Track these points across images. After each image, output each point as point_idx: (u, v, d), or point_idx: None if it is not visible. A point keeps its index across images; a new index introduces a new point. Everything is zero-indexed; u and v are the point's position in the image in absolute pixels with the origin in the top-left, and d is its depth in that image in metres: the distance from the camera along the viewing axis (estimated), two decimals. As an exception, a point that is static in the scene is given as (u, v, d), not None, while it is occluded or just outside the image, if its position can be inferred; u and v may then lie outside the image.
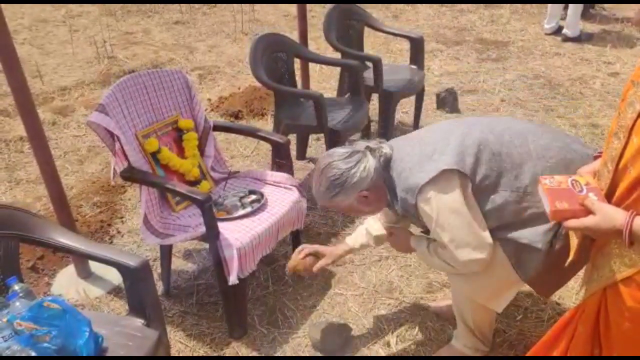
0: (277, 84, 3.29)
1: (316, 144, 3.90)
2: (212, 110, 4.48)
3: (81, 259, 2.68)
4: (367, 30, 4.14)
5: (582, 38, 5.82)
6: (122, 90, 2.38)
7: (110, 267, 1.86)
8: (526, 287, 2.56)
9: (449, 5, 7.20)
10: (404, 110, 4.41)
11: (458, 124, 1.92)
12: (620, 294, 1.30)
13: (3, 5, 2.11)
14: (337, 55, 3.92)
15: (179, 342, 2.38)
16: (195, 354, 2.33)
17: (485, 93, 4.76)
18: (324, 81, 4.99)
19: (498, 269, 1.84)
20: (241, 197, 2.48)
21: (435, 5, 7.23)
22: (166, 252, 2.55)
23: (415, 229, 2.13)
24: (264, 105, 4.46)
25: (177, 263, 2.82)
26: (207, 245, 2.41)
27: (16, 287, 1.68)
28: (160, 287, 2.61)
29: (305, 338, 2.38)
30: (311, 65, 4.10)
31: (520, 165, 1.76)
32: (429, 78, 4.89)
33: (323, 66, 5.08)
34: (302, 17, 3.77)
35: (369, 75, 3.68)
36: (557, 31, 5.99)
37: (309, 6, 3.94)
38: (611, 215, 1.22)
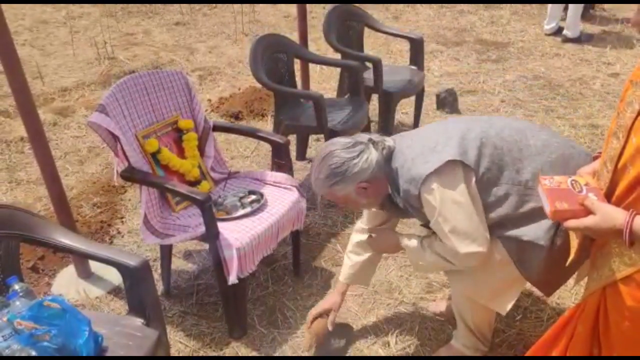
0: (277, 84, 3.30)
1: (316, 145, 3.91)
2: (212, 110, 4.49)
3: (81, 259, 2.68)
4: (367, 31, 4.14)
5: (582, 39, 5.82)
6: (122, 90, 2.39)
7: (110, 267, 1.86)
8: (526, 287, 2.57)
9: (449, 6, 7.21)
10: (404, 110, 4.41)
11: (458, 121, 1.92)
12: (620, 293, 1.31)
13: (4, 7, 2.12)
14: (337, 56, 3.93)
15: (178, 342, 2.38)
16: (195, 354, 2.33)
17: (485, 94, 4.76)
18: (324, 82, 5.00)
19: (498, 268, 1.84)
20: (241, 198, 2.49)
21: (435, 6, 7.24)
22: (166, 252, 2.56)
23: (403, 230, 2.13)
24: (264, 105, 4.46)
25: (177, 263, 2.83)
26: (207, 246, 2.41)
27: (16, 287, 1.69)
28: (160, 287, 2.62)
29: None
30: (311, 66, 4.11)
31: (521, 160, 1.76)
32: (429, 79, 4.90)
33: (323, 67, 5.09)
34: (302, 18, 3.77)
35: (369, 75, 3.68)
36: (557, 32, 6.00)
37: (309, 7, 3.94)
38: (611, 215, 1.22)
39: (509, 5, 7.11)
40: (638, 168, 1.21)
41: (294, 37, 3.85)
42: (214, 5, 7.35)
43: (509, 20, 6.68)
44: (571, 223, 1.28)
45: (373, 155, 1.84)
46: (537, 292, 2.55)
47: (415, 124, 4.11)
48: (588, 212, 1.26)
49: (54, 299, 1.61)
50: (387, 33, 4.19)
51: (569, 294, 2.55)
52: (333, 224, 3.12)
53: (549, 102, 4.55)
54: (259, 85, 3.66)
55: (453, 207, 1.73)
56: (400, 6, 7.27)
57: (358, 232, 2.25)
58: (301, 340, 2.37)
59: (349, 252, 2.28)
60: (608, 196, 1.31)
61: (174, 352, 2.33)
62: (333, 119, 3.27)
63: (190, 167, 2.55)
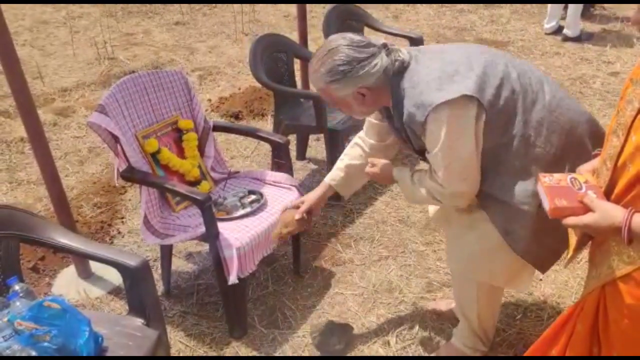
0: (277, 84, 3.30)
1: (316, 145, 3.91)
2: (212, 110, 4.49)
3: (81, 260, 2.68)
4: (367, 30, 4.14)
5: (582, 38, 5.82)
6: (122, 91, 2.39)
7: (110, 267, 1.86)
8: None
9: (449, 5, 7.20)
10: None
11: (483, 51, 1.80)
12: (619, 292, 1.31)
13: (4, 7, 2.12)
14: (337, 56, 3.92)
15: (179, 342, 2.38)
16: (195, 354, 2.34)
17: (485, 93, 4.75)
18: (324, 81, 4.99)
19: (505, 249, 1.81)
20: (241, 197, 2.49)
21: (435, 6, 7.23)
22: (166, 252, 2.56)
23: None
24: (264, 105, 4.47)
25: (177, 263, 2.83)
26: (207, 246, 2.42)
27: (17, 287, 1.69)
28: (160, 287, 2.62)
29: (305, 338, 2.38)
30: (311, 65, 4.10)
31: (530, 112, 1.70)
32: (429, 78, 4.88)
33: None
34: (302, 18, 3.78)
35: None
36: (557, 31, 6.00)
37: (309, 7, 3.94)
38: (610, 213, 1.22)
39: (509, 4, 7.10)
40: (637, 166, 1.21)
41: (294, 36, 3.85)
42: (213, 5, 7.34)
43: (509, 19, 6.67)
44: (570, 220, 1.28)
45: (383, 62, 1.71)
46: (538, 292, 2.56)
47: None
48: (587, 209, 1.26)
49: (54, 300, 1.62)
50: (387, 32, 4.19)
51: (569, 293, 2.56)
52: (333, 224, 3.12)
53: (549, 101, 4.54)
54: (258, 85, 3.66)
55: (456, 143, 1.66)
56: (400, 5, 7.26)
57: (359, 140, 2.15)
58: (302, 340, 2.38)
59: (345, 154, 2.17)
60: (607, 194, 1.31)
61: (174, 352, 2.33)
62: (333, 118, 3.27)
63: (190, 167, 2.55)
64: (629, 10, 6.52)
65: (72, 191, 3.43)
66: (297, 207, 2.14)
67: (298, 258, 2.74)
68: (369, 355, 2.30)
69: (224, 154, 3.66)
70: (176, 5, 7.21)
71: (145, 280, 1.85)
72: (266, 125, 4.18)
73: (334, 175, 2.16)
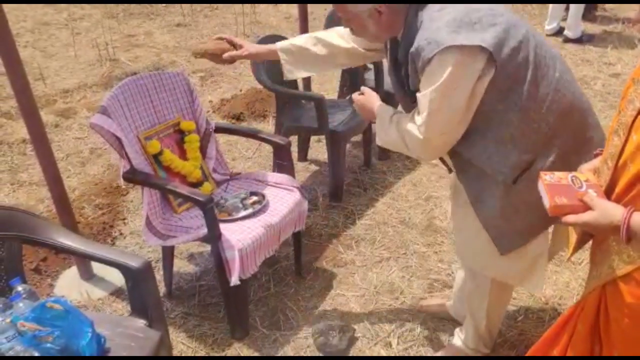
0: (279, 86, 3.30)
1: (317, 146, 3.91)
2: (214, 112, 4.49)
3: (83, 261, 2.69)
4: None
5: (583, 39, 5.82)
6: (124, 92, 2.39)
7: (112, 268, 1.86)
8: (526, 291, 2.57)
9: (450, 6, 7.20)
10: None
11: (509, 10, 1.71)
12: (620, 291, 1.31)
13: (6, 9, 2.13)
14: (338, 57, 3.92)
15: (181, 343, 2.39)
16: (197, 355, 2.34)
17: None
18: (325, 83, 5.00)
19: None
20: (243, 199, 2.49)
21: (436, 7, 7.23)
22: (168, 254, 2.56)
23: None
24: (265, 107, 4.47)
25: (179, 264, 2.83)
26: (209, 247, 2.42)
27: (19, 288, 1.70)
28: (162, 288, 2.62)
29: (307, 339, 2.38)
30: (312, 67, 4.11)
31: (537, 86, 1.64)
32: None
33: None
34: (304, 20, 3.78)
35: (370, 76, 3.68)
36: (558, 32, 6.00)
37: (310, 8, 3.95)
38: (609, 211, 1.23)
39: (509, 5, 7.10)
40: (638, 165, 1.22)
41: (295, 38, 3.85)
42: (215, 6, 7.35)
43: (510, 21, 6.67)
44: (570, 218, 1.28)
45: None
46: (539, 293, 2.56)
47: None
48: (587, 208, 1.27)
49: (57, 301, 1.62)
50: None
51: (570, 295, 2.56)
52: (334, 225, 3.12)
53: (550, 103, 4.54)
54: (260, 87, 3.67)
55: (452, 92, 1.58)
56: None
57: (338, 35, 2.14)
58: (303, 342, 2.38)
59: (313, 35, 2.16)
60: (608, 193, 1.32)
61: (176, 353, 2.33)
62: (334, 120, 3.28)
63: (192, 169, 2.56)
64: (630, 11, 6.53)
65: (74, 192, 3.44)
66: (235, 44, 2.16)
67: (299, 259, 2.74)
68: (370, 356, 2.31)
69: (226, 155, 3.66)
70: (177, 7, 7.22)
71: (147, 281, 1.86)
72: (268, 126, 4.19)
73: (287, 44, 2.13)
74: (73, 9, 7.25)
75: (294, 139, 3.48)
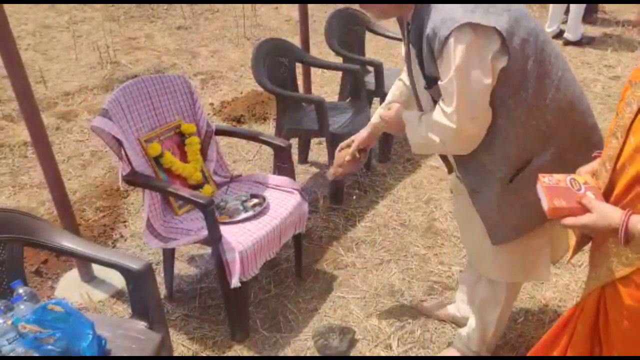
0: (279, 88, 3.31)
1: (317, 148, 3.92)
2: (214, 114, 4.50)
3: (84, 263, 2.69)
4: (368, 34, 4.16)
5: (583, 41, 5.83)
6: (125, 95, 2.40)
7: (113, 270, 1.87)
8: (526, 293, 2.58)
9: (451, 9, 7.21)
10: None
11: (522, 5, 1.70)
12: (619, 293, 1.31)
13: (7, 12, 2.14)
14: (339, 60, 3.94)
15: (181, 345, 2.39)
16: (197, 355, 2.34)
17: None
18: (326, 85, 5.01)
19: (515, 243, 1.81)
20: (243, 201, 2.50)
21: (436, 10, 7.24)
22: (169, 256, 2.57)
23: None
24: (266, 109, 4.48)
25: (180, 266, 2.83)
26: (209, 249, 2.42)
27: (21, 291, 1.70)
28: (163, 290, 2.63)
29: (307, 341, 2.39)
30: (313, 69, 4.12)
31: (540, 83, 1.63)
32: (431, 82, 4.89)
33: (325, 71, 5.10)
34: (304, 22, 3.79)
35: (370, 79, 3.69)
36: (559, 35, 6.01)
37: (310, 11, 3.96)
38: (608, 214, 1.23)
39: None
40: (636, 168, 1.22)
41: (296, 41, 3.86)
42: (216, 9, 7.37)
43: (510, 23, 6.68)
44: (568, 221, 1.29)
45: None
46: (539, 295, 2.57)
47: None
48: (586, 210, 1.27)
49: (58, 303, 1.63)
50: (389, 37, 4.20)
51: (571, 297, 2.56)
52: (335, 227, 3.13)
53: (550, 105, 4.55)
54: (261, 89, 3.67)
55: (472, 72, 1.55)
56: (402, 10, 7.28)
57: (401, 77, 2.12)
58: (304, 344, 2.38)
59: (389, 92, 2.16)
60: (606, 195, 1.32)
61: (176, 355, 2.33)
62: (335, 122, 3.28)
63: (192, 171, 2.56)
64: (630, 14, 6.54)
65: (75, 195, 3.44)
66: (348, 147, 2.18)
67: (300, 261, 2.74)
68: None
69: (226, 157, 3.67)
70: (178, 10, 7.24)
71: (148, 283, 1.86)
72: (268, 129, 4.19)
73: (376, 114, 2.10)
74: (74, 12, 7.27)
75: (294, 142, 3.48)
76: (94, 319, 1.69)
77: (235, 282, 2.20)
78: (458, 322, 2.39)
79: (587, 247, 1.50)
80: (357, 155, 2.18)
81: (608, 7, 6.88)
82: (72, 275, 2.79)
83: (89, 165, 3.84)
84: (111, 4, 7.45)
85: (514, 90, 1.61)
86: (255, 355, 2.34)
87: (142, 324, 1.83)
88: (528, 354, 1.68)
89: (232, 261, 2.20)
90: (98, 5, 7.45)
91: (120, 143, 2.29)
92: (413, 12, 1.68)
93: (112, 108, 2.31)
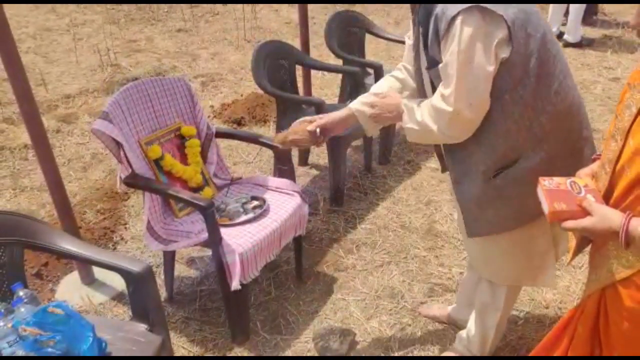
0: (279, 90, 3.32)
1: (318, 151, 3.92)
2: (215, 117, 4.50)
3: (85, 265, 2.69)
4: (368, 37, 4.16)
5: (583, 43, 5.84)
6: (125, 97, 2.41)
7: (113, 273, 1.87)
8: (527, 294, 2.58)
9: (450, 11, 7.21)
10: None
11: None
12: (619, 295, 1.31)
13: (7, 15, 2.14)
14: (339, 62, 3.94)
15: (181, 347, 2.39)
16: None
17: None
18: (326, 87, 5.01)
19: (519, 246, 1.82)
20: (243, 203, 2.50)
21: (436, 12, 7.24)
22: (169, 258, 2.57)
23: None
24: (266, 112, 4.48)
25: (180, 269, 2.84)
26: (209, 251, 2.42)
27: (21, 293, 1.70)
28: (163, 292, 2.63)
29: (308, 343, 2.39)
30: (313, 72, 4.13)
31: (539, 83, 1.62)
32: (431, 84, 4.89)
33: (325, 73, 5.11)
34: (304, 25, 3.80)
35: (370, 81, 3.69)
36: (558, 37, 6.01)
37: (311, 13, 3.97)
38: (608, 217, 1.23)
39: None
40: (635, 170, 1.22)
41: (296, 43, 3.87)
42: (216, 12, 7.39)
43: (510, 25, 6.69)
44: (569, 224, 1.29)
45: None
46: (539, 297, 2.57)
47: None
48: (586, 213, 1.27)
49: (58, 305, 1.63)
50: (389, 39, 4.21)
51: (571, 299, 2.56)
52: (335, 230, 3.13)
53: (550, 107, 4.55)
54: (261, 92, 3.68)
55: (475, 57, 1.54)
56: (402, 12, 7.29)
57: (397, 70, 2.08)
58: (304, 346, 2.38)
59: (376, 85, 2.10)
60: (606, 198, 1.32)
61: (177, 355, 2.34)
62: (335, 124, 3.28)
63: (193, 174, 2.57)
64: (630, 16, 6.54)
65: (76, 197, 3.44)
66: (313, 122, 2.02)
67: (300, 264, 2.75)
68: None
69: (227, 160, 3.68)
70: (179, 12, 7.25)
71: (148, 285, 1.86)
72: (268, 131, 4.20)
73: (359, 102, 1.97)
74: (75, 15, 7.28)
75: (294, 144, 3.48)
76: (94, 321, 1.69)
77: (235, 285, 2.20)
78: (459, 325, 2.38)
79: (588, 249, 1.50)
80: (318, 132, 1.96)
81: (608, 8, 6.89)
82: (73, 278, 2.79)
83: (89, 167, 3.84)
84: (112, 5, 7.46)
85: (512, 86, 1.61)
86: (255, 355, 2.34)
87: (142, 327, 1.83)
88: (529, 355, 1.68)
89: (232, 263, 2.20)
90: (98, 8, 7.47)
91: (120, 146, 2.29)
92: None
93: (113, 111, 2.32)
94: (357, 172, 3.68)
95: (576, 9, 5.78)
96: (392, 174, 3.66)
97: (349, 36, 4.00)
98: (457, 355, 2.22)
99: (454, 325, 2.42)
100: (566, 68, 1.71)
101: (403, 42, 4.38)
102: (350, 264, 2.86)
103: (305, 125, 1.98)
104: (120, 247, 3.05)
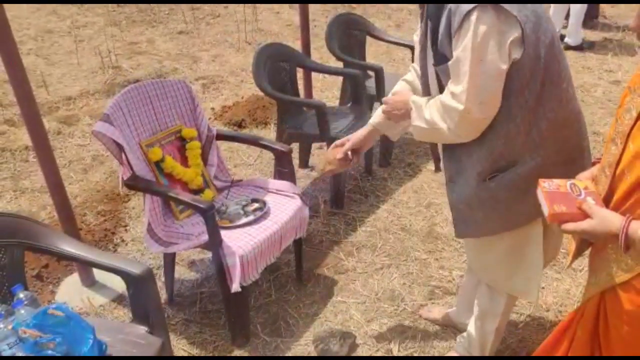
0: (280, 93, 3.32)
1: (318, 153, 3.92)
2: (215, 119, 4.51)
3: (85, 267, 2.69)
4: (369, 39, 4.17)
5: (583, 46, 5.84)
6: (126, 100, 2.41)
7: (114, 275, 1.87)
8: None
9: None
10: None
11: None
12: (619, 298, 1.31)
13: (8, 16, 2.14)
14: (340, 65, 3.95)
15: (181, 349, 2.39)
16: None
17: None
18: (327, 90, 5.02)
19: (509, 252, 1.82)
20: (244, 206, 2.50)
21: (437, 14, 7.25)
22: (169, 260, 2.57)
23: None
24: (267, 114, 4.49)
25: (181, 271, 2.84)
26: (210, 254, 2.43)
27: (21, 295, 1.70)
28: (163, 295, 2.63)
29: (308, 346, 2.38)
30: (314, 74, 4.13)
31: (543, 89, 1.61)
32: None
33: (325, 75, 5.11)
34: (305, 27, 3.80)
35: (370, 84, 3.70)
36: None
37: (311, 16, 3.98)
38: (608, 219, 1.23)
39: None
40: (635, 174, 1.22)
41: (297, 45, 3.87)
42: (217, 14, 7.39)
43: (511, 28, 6.69)
44: (569, 226, 1.28)
45: None
46: (540, 300, 2.56)
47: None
48: (586, 215, 1.27)
49: (58, 307, 1.63)
50: (389, 41, 4.22)
51: (571, 302, 2.56)
52: (335, 232, 3.13)
53: (550, 110, 4.55)
54: (261, 94, 3.68)
55: (487, 55, 1.52)
56: (402, 14, 7.31)
57: (409, 73, 2.06)
58: (304, 348, 2.38)
59: (391, 92, 2.06)
60: (606, 201, 1.32)
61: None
62: (335, 127, 3.29)
63: (193, 176, 2.57)
64: (630, 18, 6.54)
65: (76, 199, 3.45)
66: (342, 146, 2.08)
67: (300, 266, 2.75)
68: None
69: (227, 162, 3.68)
70: (180, 14, 7.26)
71: (148, 287, 1.86)
72: (269, 133, 4.20)
73: (377, 115, 2.01)
74: (76, 17, 7.29)
75: (295, 146, 3.48)
76: (94, 323, 1.69)
77: (235, 287, 2.20)
78: (459, 327, 2.38)
79: (588, 252, 1.50)
80: (349, 155, 2.08)
81: (608, 11, 6.90)
82: (73, 280, 2.79)
83: (90, 169, 3.84)
84: (114, 7, 7.48)
85: (519, 88, 1.59)
86: (255, 356, 2.34)
87: (142, 329, 1.83)
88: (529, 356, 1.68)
89: (232, 266, 2.20)
90: (100, 10, 7.48)
91: (121, 148, 2.29)
92: None
93: (114, 113, 2.32)
94: (358, 174, 3.68)
95: (577, 12, 5.78)
96: (393, 176, 3.67)
97: (349, 39, 4.01)
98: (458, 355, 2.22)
99: (454, 327, 2.42)
100: (569, 77, 1.71)
101: (403, 45, 4.41)
102: (351, 266, 2.86)
103: (336, 152, 2.07)
104: (120, 249, 3.05)
